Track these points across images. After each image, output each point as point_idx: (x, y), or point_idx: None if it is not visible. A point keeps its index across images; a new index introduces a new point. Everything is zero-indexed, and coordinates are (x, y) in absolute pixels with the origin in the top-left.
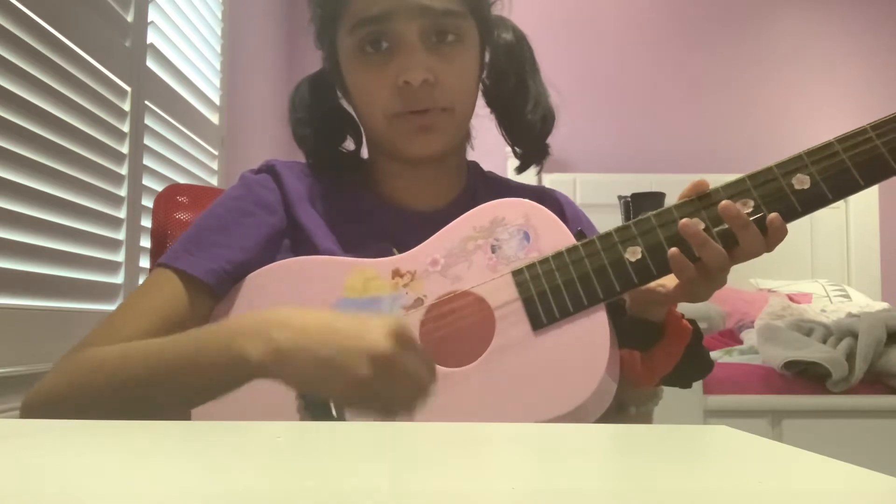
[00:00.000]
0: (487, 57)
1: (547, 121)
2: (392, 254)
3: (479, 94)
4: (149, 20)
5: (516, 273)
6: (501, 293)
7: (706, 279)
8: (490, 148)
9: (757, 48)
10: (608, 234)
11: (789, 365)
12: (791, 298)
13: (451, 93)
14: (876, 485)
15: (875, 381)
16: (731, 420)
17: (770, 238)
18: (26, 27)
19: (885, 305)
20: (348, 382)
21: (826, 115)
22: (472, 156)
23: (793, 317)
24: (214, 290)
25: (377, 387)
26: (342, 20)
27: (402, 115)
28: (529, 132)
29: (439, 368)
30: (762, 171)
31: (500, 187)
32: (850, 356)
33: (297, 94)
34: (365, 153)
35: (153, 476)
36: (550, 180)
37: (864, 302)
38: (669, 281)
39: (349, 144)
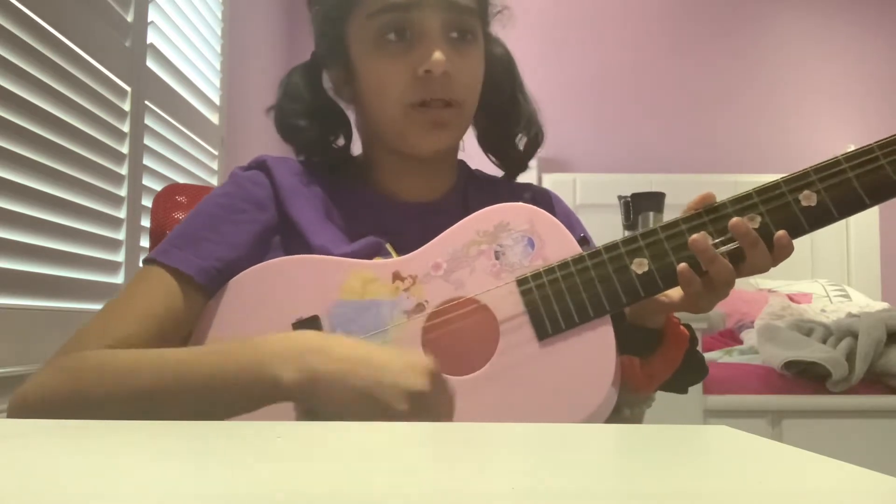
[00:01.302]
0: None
1: (538, 137)
2: (384, 247)
3: None
4: (149, 20)
5: (521, 281)
6: (506, 301)
7: (711, 292)
8: (473, 153)
9: (757, 49)
10: (614, 245)
11: (789, 365)
12: (791, 298)
13: (464, 88)
14: (876, 485)
15: (875, 381)
16: (731, 420)
17: (776, 255)
18: (26, 27)
19: (885, 305)
20: (380, 415)
21: (826, 116)
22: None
23: (793, 317)
24: (205, 289)
25: (407, 411)
26: (360, 7)
27: (418, 108)
28: (516, 147)
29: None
30: (769, 185)
31: (490, 184)
32: (850, 356)
33: (289, 83)
34: (356, 149)
35: (153, 476)
36: (551, 180)
37: (864, 302)
38: (673, 290)
39: (339, 141)
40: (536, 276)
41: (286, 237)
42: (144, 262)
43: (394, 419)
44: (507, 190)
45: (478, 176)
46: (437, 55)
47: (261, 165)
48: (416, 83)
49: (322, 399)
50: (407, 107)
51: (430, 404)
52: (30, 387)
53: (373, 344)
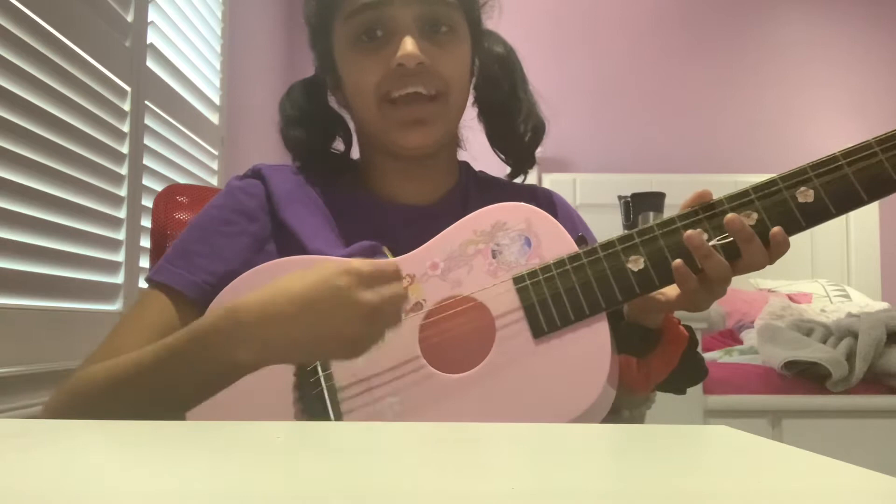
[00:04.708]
0: (477, 63)
1: (538, 131)
2: (381, 250)
3: (470, 104)
4: (149, 20)
5: (517, 279)
6: (502, 299)
7: (707, 290)
8: (477, 154)
9: (758, 49)
10: (610, 243)
11: (789, 365)
12: (791, 298)
13: (445, 78)
14: (876, 485)
15: (875, 381)
16: (731, 420)
17: (772, 251)
18: (26, 27)
19: (885, 305)
20: (347, 347)
21: (826, 116)
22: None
23: (793, 317)
24: (199, 302)
25: (371, 330)
26: (339, 11)
27: (393, 106)
28: (520, 142)
29: (438, 375)
30: (766, 182)
31: (492, 185)
32: (850, 356)
33: (288, 97)
34: (354, 154)
35: (153, 476)
36: (550, 180)
37: (864, 302)
38: (670, 289)
39: (339, 147)
40: (532, 274)
41: (281, 244)
42: (145, 280)
43: (358, 341)
44: (509, 191)
45: (481, 177)
46: (409, 48)
47: (256, 173)
48: (389, 76)
49: (285, 359)
50: (381, 101)
51: (380, 308)
52: (46, 412)
53: (298, 278)
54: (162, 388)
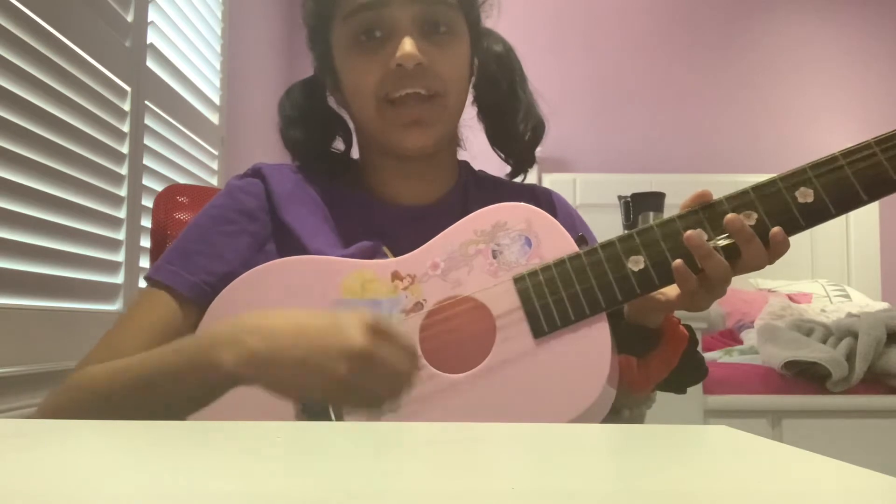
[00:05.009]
0: (476, 63)
1: (537, 130)
2: (382, 250)
3: (470, 103)
4: (149, 20)
5: (517, 279)
6: (502, 299)
7: (707, 290)
8: (477, 153)
9: (758, 49)
10: (610, 243)
11: (789, 365)
12: (791, 298)
13: (444, 78)
14: (876, 485)
15: (875, 381)
16: (731, 420)
17: (772, 251)
18: (26, 27)
19: (885, 305)
20: (326, 382)
21: (827, 116)
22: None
23: (793, 317)
24: (198, 302)
25: (357, 382)
26: (337, 12)
27: (392, 107)
28: (520, 141)
29: (439, 375)
30: (766, 182)
31: (492, 185)
32: (850, 356)
33: (288, 97)
34: (355, 154)
35: (153, 476)
36: (550, 180)
37: (864, 302)
38: (670, 289)
39: (339, 146)
40: (533, 274)
41: (281, 243)
42: (144, 279)
43: (341, 383)
44: (509, 190)
45: (481, 177)
46: (408, 48)
47: (256, 173)
48: (388, 77)
49: (264, 376)
50: (381, 102)
51: (371, 357)
52: (41, 410)
53: (310, 311)
54: (159, 395)
